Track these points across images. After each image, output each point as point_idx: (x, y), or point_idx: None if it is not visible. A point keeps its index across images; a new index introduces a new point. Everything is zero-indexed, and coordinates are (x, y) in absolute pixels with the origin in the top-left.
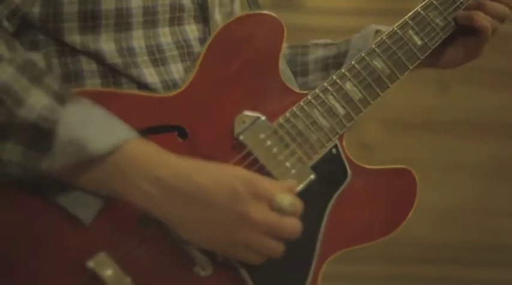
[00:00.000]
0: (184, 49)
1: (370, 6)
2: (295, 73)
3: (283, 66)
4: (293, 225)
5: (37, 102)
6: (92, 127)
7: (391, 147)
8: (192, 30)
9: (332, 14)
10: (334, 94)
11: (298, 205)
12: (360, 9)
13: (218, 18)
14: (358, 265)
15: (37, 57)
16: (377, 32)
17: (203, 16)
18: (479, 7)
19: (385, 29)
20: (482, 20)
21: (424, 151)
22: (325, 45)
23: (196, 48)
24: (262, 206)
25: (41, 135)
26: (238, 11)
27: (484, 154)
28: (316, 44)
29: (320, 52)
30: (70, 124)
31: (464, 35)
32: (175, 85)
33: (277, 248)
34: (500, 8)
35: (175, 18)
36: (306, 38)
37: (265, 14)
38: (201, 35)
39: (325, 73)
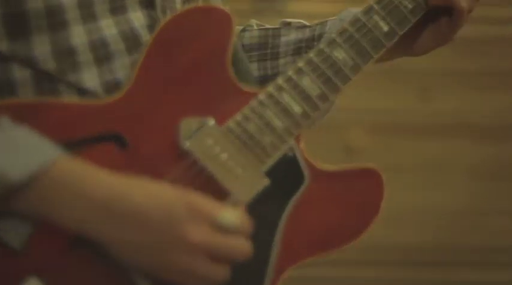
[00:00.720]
0: (130, 41)
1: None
2: (265, 56)
3: (239, 55)
4: (239, 244)
5: None
6: (7, 154)
7: (374, 151)
8: (137, 17)
9: (315, 18)
10: (290, 91)
11: (244, 220)
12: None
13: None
14: (339, 267)
15: None
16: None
17: (149, 0)
18: None
19: (363, 8)
20: (461, 0)
21: (407, 155)
22: (298, 27)
23: (145, 37)
24: (203, 226)
25: None
26: None
27: (469, 157)
28: (289, 25)
29: (293, 35)
30: None
31: (434, 17)
32: (117, 86)
33: (222, 272)
34: None
35: (118, 7)
36: None
37: (213, 7)
38: (149, 22)
39: (296, 57)
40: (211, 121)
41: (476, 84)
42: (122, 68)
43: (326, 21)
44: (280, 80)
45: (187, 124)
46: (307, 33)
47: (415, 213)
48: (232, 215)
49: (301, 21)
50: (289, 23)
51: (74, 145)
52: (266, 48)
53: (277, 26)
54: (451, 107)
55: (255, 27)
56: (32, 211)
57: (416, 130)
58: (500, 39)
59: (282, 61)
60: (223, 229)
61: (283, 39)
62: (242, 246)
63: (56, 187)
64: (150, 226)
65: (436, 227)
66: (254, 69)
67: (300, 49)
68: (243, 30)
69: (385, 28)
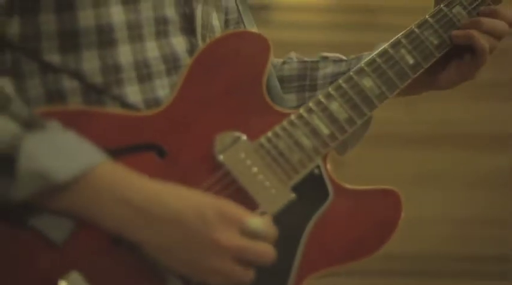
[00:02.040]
0: (171, 64)
1: (338, 20)
2: (303, 88)
3: (272, 83)
4: (265, 249)
5: (2, 129)
6: (55, 156)
7: (361, 162)
8: (179, 42)
9: (300, 28)
10: (319, 114)
11: (270, 227)
12: (328, 23)
13: (216, 23)
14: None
15: (3, 82)
16: None
17: (190, 27)
18: (477, 24)
19: (391, 41)
20: (481, 39)
21: (393, 165)
22: (335, 61)
23: (184, 61)
24: (232, 231)
25: (3, 161)
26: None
27: (455, 165)
28: (327, 58)
29: (330, 69)
30: (32, 153)
31: (460, 53)
32: (158, 103)
33: (248, 274)
34: (499, 25)
35: (161, 31)
36: (276, 53)
37: (252, 32)
38: (189, 47)
39: None
40: (244, 137)
41: (464, 94)
42: (162, 87)
43: (362, 55)
44: (311, 103)
45: (222, 139)
46: (343, 66)
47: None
48: (260, 221)
49: (339, 55)
50: (326, 57)
51: (118, 152)
52: (305, 80)
53: (315, 59)
54: (436, 117)
55: (295, 60)
56: (72, 211)
57: (399, 140)
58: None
59: (319, 93)
60: (251, 235)
61: (321, 72)
62: (267, 251)
63: (97, 189)
64: (184, 229)
65: (421, 237)
66: (293, 99)
67: None
68: (283, 63)
69: (411, 61)
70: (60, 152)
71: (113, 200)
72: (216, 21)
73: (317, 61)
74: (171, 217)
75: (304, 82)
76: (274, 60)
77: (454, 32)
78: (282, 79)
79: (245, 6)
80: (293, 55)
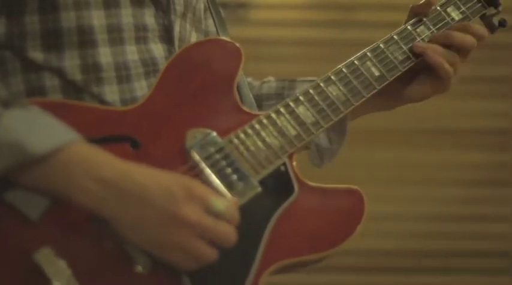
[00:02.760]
0: (150, 67)
1: (317, 17)
2: None
3: (245, 92)
4: (227, 230)
5: None
6: (33, 130)
7: (340, 159)
8: (157, 48)
9: (277, 25)
10: (287, 116)
11: (233, 209)
12: (307, 20)
13: (195, 37)
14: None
15: None
16: None
17: (168, 37)
18: (447, 36)
19: (357, 55)
20: (436, 56)
21: (365, 164)
22: (312, 80)
23: (162, 65)
24: (197, 208)
25: None
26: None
27: (430, 164)
28: (304, 81)
29: (307, 86)
30: (10, 126)
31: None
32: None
33: (210, 252)
34: (469, 39)
35: (141, 37)
36: (253, 51)
37: (225, 40)
38: (167, 55)
39: None
40: (214, 133)
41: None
42: (140, 89)
43: None
44: (279, 106)
45: (193, 134)
46: None
47: (377, 220)
48: (224, 202)
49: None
50: (302, 81)
51: (94, 142)
52: (282, 98)
53: (293, 79)
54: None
55: (273, 79)
56: (46, 186)
57: (370, 138)
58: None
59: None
60: (214, 214)
61: (298, 90)
62: (229, 232)
63: (70, 165)
64: (150, 204)
65: (397, 233)
66: None
67: None
68: (262, 83)
69: (377, 73)
70: (38, 128)
71: (84, 176)
72: (194, 39)
73: (294, 80)
74: (139, 192)
75: (281, 100)
76: (253, 82)
77: (414, 44)
78: (260, 98)
79: (221, 22)
80: (271, 78)
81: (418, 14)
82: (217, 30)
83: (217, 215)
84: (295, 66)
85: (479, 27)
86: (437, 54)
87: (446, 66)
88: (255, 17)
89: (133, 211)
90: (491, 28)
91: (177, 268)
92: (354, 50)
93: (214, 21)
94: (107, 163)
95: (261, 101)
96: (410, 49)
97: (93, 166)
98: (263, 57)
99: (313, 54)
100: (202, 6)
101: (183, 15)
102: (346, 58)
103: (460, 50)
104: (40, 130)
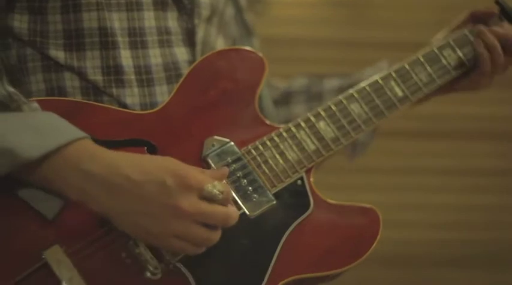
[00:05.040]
0: (171, 72)
1: (333, 14)
2: (310, 100)
3: (265, 103)
4: (224, 212)
5: None
6: (25, 134)
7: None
8: (181, 52)
9: (295, 23)
10: (307, 130)
11: (228, 191)
12: (324, 18)
13: (221, 47)
14: None
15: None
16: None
17: (190, 40)
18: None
19: (381, 74)
20: (481, 47)
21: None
22: (341, 75)
23: (184, 70)
24: (192, 196)
25: None
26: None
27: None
28: (334, 75)
29: (335, 82)
30: (1, 132)
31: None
32: (154, 108)
33: (211, 235)
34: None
35: (164, 40)
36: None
37: (250, 50)
38: (190, 58)
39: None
40: (232, 143)
41: None
42: (161, 94)
43: (363, 71)
44: (300, 119)
45: (211, 142)
46: (347, 80)
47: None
48: (217, 185)
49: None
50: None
51: (111, 144)
52: (310, 92)
53: (322, 74)
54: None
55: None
56: (45, 183)
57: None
58: None
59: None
60: (209, 198)
61: (326, 85)
62: (227, 211)
63: (63, 164)
64: (144, 196)
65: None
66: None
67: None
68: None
69: (400, 93)
70: (29, 132)
71: (74, 173)
72: (220, 45)
73: (322, 77)
74: (131, 184)
75: (309, 94)
76: (277, 83)
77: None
78: (290, 94)
79: (247, 29)
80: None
81: (477, 20)
82: (241, 38)
83: (212, 199)
84: (310, 66)
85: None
86: (483, 47)
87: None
88: (272, 13)
89: (126, 205)
90: None
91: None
92: (371, 50)
93: (239, 28)
94: (93, 156)
95: (290, 98)
96: (435, 72)
97: (80, 161)
98: (279, 56)
99: (330, 53)
100: (232, 10)
101: (209, 20)
102: (363, 59)
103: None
104: (32, 134)
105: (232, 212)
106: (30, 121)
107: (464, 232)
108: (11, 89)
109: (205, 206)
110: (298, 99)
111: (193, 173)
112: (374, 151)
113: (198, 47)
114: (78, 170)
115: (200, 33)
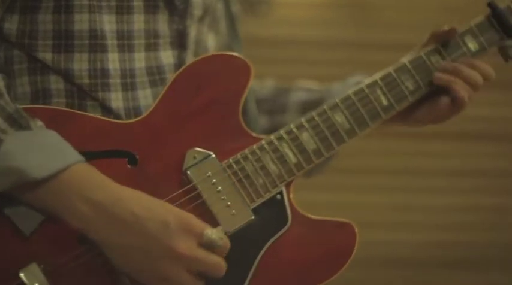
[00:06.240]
0: (155, 76)
1: (337, 16)
2: (273, 112)
3: (250, 105)
4: (217, 262)
5: None
6: (34, 154)
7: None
8: (167, 56)
9: (299, 24)
10: (289, 142)
11: (226, 241)
12: (328, 19)
13: (212, 44)
14: None
15: None
16: (357, 83)
17: (181, 43)
18: (456, 72)
19: (367, 81)
20: (461, 90)
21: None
22: (308, 89)
23: (169, 74)
24: (191, 241)
25: None
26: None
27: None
28: (301, 88)
29: (302, 96)
30: (11, 151)
31: (435, 95)
32: (137, 113)
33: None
34: (476, 76)
35: (151, 44)
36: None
37: (236, 56)
38: (177, 61)
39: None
40: (213, 156)
41: None
42: (144, 98)
43: (331, 87)
44: (282, 131)
45: (192, 154)
46: (315, 95)
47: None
48: (217, 234)
49: (311, 85)
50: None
51: (92, 155)
52: (275, 105)
53: (289, 86)
54: None
55: (270, 83)
56: (42, 205)
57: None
58: None
59: (288, 117)
60: (207, 246)
61: (292, 98)
62: (219, 264)
63: (65, 187)
64: (145, 234)
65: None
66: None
67: (305, 110)
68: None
69: (385, 102)
70: (38, 151)
71: (78, 198)
72: (212, 42)
73: (289, 88)
74: (132, 222)
75: (274, 106)
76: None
77: (437, 74)
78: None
79: (235, 33)
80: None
81: (438, 41)
82: (229, 42)
83: (211, 245)
84: (315, 67)
85: (487, 67)
86: (462, 89)
87: (467, 100)
88: (276, 14)
89: (124, 238)
90: (507, 58)
91: None
92: (375, 51)
93: (227, 29)
94: (101, 185)
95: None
96: (423, 79)
97: (86, 187)
98: (284, 57)
99: (334, 54)
100: (221, 5)
101: (201, 19)
102: (367, 60)
103: (469, 84)
104: (39, 154)
105: (224, 265)
106: (38, 140)
107: (468, 234)
108: (16, 105)
109: (201, 253)
110: (262, 108)
111: (196, 220)
112: (377, 153)
113: (191, 48)
114: (79, 194)
115: (192, 34)
